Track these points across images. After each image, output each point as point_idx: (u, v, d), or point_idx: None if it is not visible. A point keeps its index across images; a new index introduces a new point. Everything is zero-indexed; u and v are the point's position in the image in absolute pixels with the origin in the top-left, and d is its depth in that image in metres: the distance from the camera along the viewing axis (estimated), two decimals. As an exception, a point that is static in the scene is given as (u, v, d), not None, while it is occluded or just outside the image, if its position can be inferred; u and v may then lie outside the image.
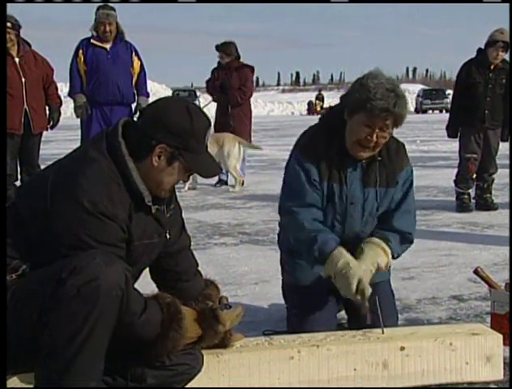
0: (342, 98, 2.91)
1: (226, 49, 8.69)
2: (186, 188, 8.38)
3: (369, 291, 2.68)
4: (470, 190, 6.82)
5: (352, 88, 2.80)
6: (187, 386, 2.31)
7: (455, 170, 6.93)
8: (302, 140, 2.96)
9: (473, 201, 6.86)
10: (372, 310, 2.72)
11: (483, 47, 6.56)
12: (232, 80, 8.62)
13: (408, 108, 2.82)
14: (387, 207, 2.94)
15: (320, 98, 47.03)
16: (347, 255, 2.75)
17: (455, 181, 6.86)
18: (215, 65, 8.91)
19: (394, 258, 2.94)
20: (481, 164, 6.71)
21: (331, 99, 44.49)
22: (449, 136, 6.92)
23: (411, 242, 3.01)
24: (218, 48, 8.74)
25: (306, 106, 50.26)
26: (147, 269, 2.52)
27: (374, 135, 2.74)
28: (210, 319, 2.25)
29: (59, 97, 6.77)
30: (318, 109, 43.33)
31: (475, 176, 6.81)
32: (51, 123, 6.73)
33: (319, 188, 2.85)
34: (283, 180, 3.00)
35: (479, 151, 6.64)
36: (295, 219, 2.84)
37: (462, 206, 6.75)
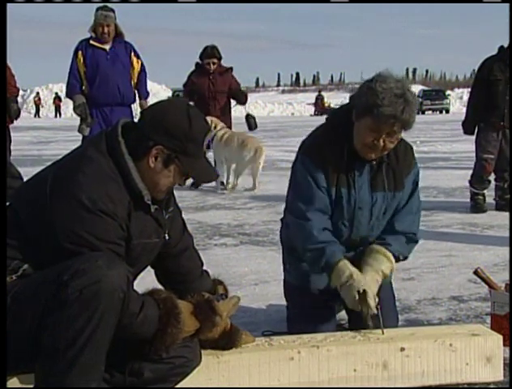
0: (351, 99, 2.87)
1: (217, 53, 8.53)
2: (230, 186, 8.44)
3: (372, 301, 2.69)
4: (485, 191, 6.75)
5: (360, 91, 2.76)
6: (185, 381, 2.31)
7: (455, 171, 6.91)
8: (308, 142, 2.93)
9: (492, 202, 6.78)
10: (373, 312, 2.72)
11: (505, 45, 6.43)
12: (218, 86, 8.50)
13: (416, 111, 2.78)
14: (394, 210, 2.93)
15: (320, 99, 46.96)
16: (351, 267, 2.76)
17: (470, 182, 6.78)
18: (195, 66, 8.65)
19: (401, 259, 2.94)
20: (501, 163, 6.61)
21: (332, 99, 44.35)
22: (465, 133, 6.84)
23: (417, 242, 3.00)
24: (212, 53, 8.50)
25: (308, 106, 50.27)
26: (154, 275, 2.54)
27: (381, 140, 2.72)
28: (206, 311, 2.25)
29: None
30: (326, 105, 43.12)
31: (493, 176, 6.75)
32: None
33: (327, 194, 2.84)
34: (290, 180, 2.98)
35: (495, 151, 6.56)
36: (305, 226, 2.82)
37: (476, 206, 6.68)
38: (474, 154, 6.82)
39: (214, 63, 8.52)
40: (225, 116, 8.64)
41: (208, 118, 8.36)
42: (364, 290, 2.68)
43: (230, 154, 8.40)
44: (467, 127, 6.75)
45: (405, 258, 2.98)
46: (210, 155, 8.49)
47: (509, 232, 5.25)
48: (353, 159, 2.82)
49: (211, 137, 8.38)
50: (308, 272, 2.95)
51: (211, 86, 8.49)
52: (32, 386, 2.06)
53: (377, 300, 2.71)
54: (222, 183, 8.56)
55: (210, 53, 8.53)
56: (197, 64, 8.68)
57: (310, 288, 2.97)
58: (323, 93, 51.79)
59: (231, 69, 8.71)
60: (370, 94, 2.67)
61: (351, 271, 2.74)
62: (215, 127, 8.27)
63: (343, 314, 3.14)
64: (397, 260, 2.91)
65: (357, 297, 2.69)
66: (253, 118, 8.98)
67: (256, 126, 9.09)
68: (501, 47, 6.52)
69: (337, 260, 2.76)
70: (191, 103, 8.30)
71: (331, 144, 2.83)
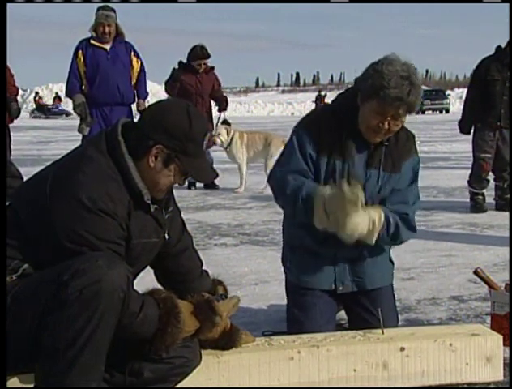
0: (356, 81, 2.86)
1: (206, 53, 8.46)
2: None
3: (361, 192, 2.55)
4: (484, 191, 6.76)
5: (366, 73, 2.75)
6: (185, 381, 2.31)
7: (455, 171, 6.93)
8: (306, 117, 2.95)
9: (492, 202, 6.79)
10: (372, 311, 2.72)
11: (502, 45, 6.46)
12: (205, 85, 8.45)
13: (422, 93, 2.75)
14: (388, 193, 2.88)
15: (320, 98, 46.73)
16: (331, 187, 2.64)
17: (469, 182, 6.80)
18: (178, 65, 8.53)
19: (395, 237, 2.81)
20: (499, 162, 6.63)
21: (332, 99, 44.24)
22: (461, 132, 6.87)
23: (412, 228, 2.87)
24: (202, 54, 8.40)
25: (310, 104, 50.17)
26: (154, 275, 2.54)
27: (386, 123, 2.72)
28: (206, 311, 2.24)
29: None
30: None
31: (493, 176, 6.76)
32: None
33: (313, 163, 2.81)
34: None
35: (492, 151, 6.58)
36: (282, 180, 2.80)
37: (476, 206, 6.69)
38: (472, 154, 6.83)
39: (204, 63, 8.47)
40: (210, 116, 8.63)
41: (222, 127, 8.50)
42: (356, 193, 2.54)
43: (258, 152, 8.64)
44: (464, 127, 6.78)
45: (396, 233, 2.81)
46: (210, 156, 8.51)
47: (509, 232, 5.25)
48: (355, 138, 2.81)
49: (228, 143, 8.49)
50: (307, 270, 2.93)
51: (199, 85, 8.44)
52: (31, 386, 2.06)
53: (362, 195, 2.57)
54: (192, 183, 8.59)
55: (200, 53, 8.42)
56: (181, 62, 8.53)
57: (309, 287, 2.95)
58: (324, 92, 51.61)
59: (213, 68, 8.67)
60: (376, 76, 2.67)
61: (332, 189, 2.61)
62: (230, 134, 8.41)
63: (342, 314, 3.14)
64: (388, 228, 2.76)
65: (348, 210, 2.54)
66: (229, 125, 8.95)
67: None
68: (499, 47, 6.55)
69: (315, 188, 2.67)
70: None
71: (330, 121, 2.83)
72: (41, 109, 45.59)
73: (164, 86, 9.19)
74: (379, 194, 2.88)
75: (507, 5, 6.13)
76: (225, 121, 8.86)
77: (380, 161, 2.85)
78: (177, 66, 8.60)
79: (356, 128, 2.80)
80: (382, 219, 2.72)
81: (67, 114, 40.21)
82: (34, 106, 48.44)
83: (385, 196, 2.88)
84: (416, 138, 3.05)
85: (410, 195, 2.91)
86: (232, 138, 8.57)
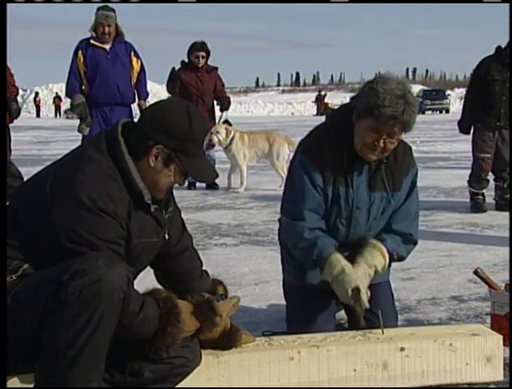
0: (351, 99, 2.88)
1: (206, 48, 8.45)
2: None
3: (365, 296, 2.69)
4: (484, 190, 6.75)
5: (361, 92, 2.77)
6: (185, 381, 2.31)
7: (455, 171, 6.93)
8: (307, 142, 2.93)
9: (492, 202, 6.78)
10: (372, 311, 2.72)
11: (503, 46, 6.44)
12: (206, 84, 8.45)
13: (417, 112, 2.77)
14: (392, 210, 2.92)
15: (320, 98, 46.57)
16: (343, 261, 2.76)
17: (469, 182, 6.79)
18: (181, 64, 8.57)
19: (395, 258, 2.92)
20: (499, 162, 6.62)
21: (332, 99, 44.17)
22: (461, 131, 6.87)
23: (415, 243, 2.98)
24: (200, 47, 8.39)
25: (310, 104, 50.02)
26: (154, 276, 2.54)
27: (381, 141, 2.72)
28: (207, 311, 2.25)
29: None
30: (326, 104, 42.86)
31: (493, 176, 6.75)
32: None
33: (323, 193, 2.84)
34: (286, 180, 3.01)
35: (492, 150, 6.57)
36: (297, 226, 2.84)
37: (476, 206, 6.68)
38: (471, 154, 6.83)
39: (203, 57, 8.44)
40: (212, 116, 8.63)
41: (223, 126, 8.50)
42: (356, 287, 2.68)
43: (261, 153, 8.70)
44: (463, 126, 6.78)
45: (401, 258, 2.95)
46: (212, 156, 8.52)
47: (509, 232, 5.25)
48: (352, 159, 2.83)
49: (229, 142, 8.48)
50: (306, 271, 2.95)
51: (200, 84, 8.43)
52: (31, 386, 2.06)
53: (369, 294, 2.72)
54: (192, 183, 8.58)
55: (198, 46, 8.43)
56: (183, 62, 8.56)
57: (308, 285, 2.96)
58: (324, 92, 51.50)
59: (217, 68, 8.68)
60: (371, 95, 2.68)
61: (342, 264, 2.74)
62: (230, 134, 8.40)
63: (342, 314, 3.13)
64: (392, 259, 2.89)
65: (350, 293, 2.69)
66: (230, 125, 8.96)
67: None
68: (499, 47, 6.55)
69: (329, 253, 2.76)
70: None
71: (330, 144, 2.84)
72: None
73: (165, 86, 9.20)
74: (383, 214, 2.92)
75: (507, 5, 6.14)
76: (226, 121, 8.87)
77: (382, 182, 2.87)
78: (178, 66, 8.62)
79: (354, 147, 2.81)
80: (385, 266, 2.86)
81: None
82: (34, 107, 48.43)
83: (388, 215, 2.92)
84: (416, 138, 3.07)
85: (412, 205, 2.96)
86: (232, 139, 8.57)
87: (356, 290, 2.68)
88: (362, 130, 2.74)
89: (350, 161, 2.83)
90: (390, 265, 2.94)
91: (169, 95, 8.61)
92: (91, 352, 1.94)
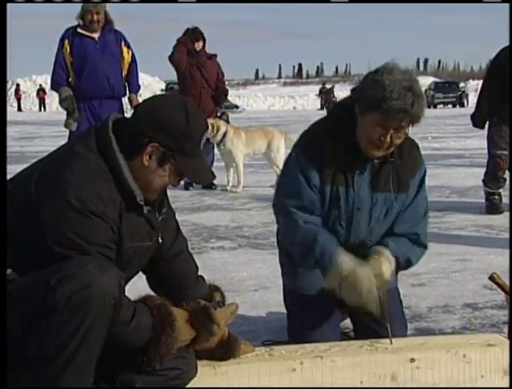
0: (352, 92, 2.87)
1: (201, 33, 8.52)
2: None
3: (378, 299, 2.68)
4: (500, 190, 6.74)
5: (364, 84, 2.75)
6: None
7: (469, 169, 6.92)
8: (304, 139, 2.93)
9: (509, 202, 6.78)
10: (378, 320, 2.72)
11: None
12: (209, 71, 8.52)
13: (425, 104, 2.78)
14: (396, 213, 2.91)
15: (325, 92, 46.41)
16: (352, 258, 2.72)
17: (484, 181, 6.78)
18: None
19: (406, 264, 2.89)
20: None
21: (337, 92, 44.08)
22: (474, 125, 6.84)
23: (424, 246, 2.95)
24: (195, 36, 8.45)
25: (313, 98, 49.80)
26: (146, 281, 2.55)
27: (388, 136, 2.72)
28: (203, 319, 2.25)
29: None
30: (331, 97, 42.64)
31: (510, 175, 6.75)
32: None
33: (318, 193, 2.83)
34: (280, 177, 3.02)
35: (508, 147, 6.58)
36: (290, 218, 2.83)
37: (492, 207, 6.67)
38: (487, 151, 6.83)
39: (197, 41, 8.49)
40: (215, 103, 8.70)
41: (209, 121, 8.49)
42: (370, 283, 2.65)
43: (259, 149, 8.78)
44: (477, 120, 6.73)
45: (408, 262, 2.90)
46: (212, 153, 8.54)
47: (509, 232, 5.26)
48: (354, 156, 2.82)
49: (220, 140, 8.48)
50: (307, 276, 2.95)
51: (203, 70, 8.49)
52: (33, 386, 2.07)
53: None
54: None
55: (193, 35, 8.46)
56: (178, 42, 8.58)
57: (310, 293, 2.96)
58: (330, 84, 51.30)
59: (216, 55, 8.75)
60: (377, 87, 2.67)
61: (352, 263, 2.70)
62: (217, 130, 8.38)
63: (347, 322, 3.15)
64: (399, 264, 2.85)
65: (363, 298, 2.67)
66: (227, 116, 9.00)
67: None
68: None
69: (332, 250, 2.73)
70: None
71: (331, 140, 2.83)
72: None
73: (157, 78, 9.22)
74: (386, 217, 2.90)
75: (507, 5, 6.17)
76: (223, 114, 8.89)
77: (386, 183, 2.86)
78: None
79: (356, 143, 2.80)
80: (393, 273, 2.81)
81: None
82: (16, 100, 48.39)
83: (392, 218, 2.90)
84: (428, 134, 3.08)
85: (419, 206, 2.94)
86: (224, 135, 8.51)
87: (370, 293, 2.66)
88: (367, 125, 2.74)
89: (351, 159, 2.82)
90: (397, 271, 2.92)
91: (176, 67, 8.57)
92: (80, 360, 1.95)
